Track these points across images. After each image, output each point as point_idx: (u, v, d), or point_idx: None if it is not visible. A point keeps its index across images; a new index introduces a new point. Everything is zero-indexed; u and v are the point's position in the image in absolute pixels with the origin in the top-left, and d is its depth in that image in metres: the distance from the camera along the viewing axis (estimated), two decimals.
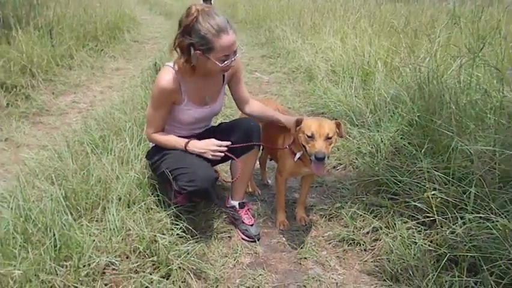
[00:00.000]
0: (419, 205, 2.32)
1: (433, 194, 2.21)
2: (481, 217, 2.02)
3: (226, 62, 2.19)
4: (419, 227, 2.29)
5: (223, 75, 2.49)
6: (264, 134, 2.62)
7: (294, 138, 2.44)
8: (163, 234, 2.22)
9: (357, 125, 3.64)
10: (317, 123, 2.25)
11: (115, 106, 3.97)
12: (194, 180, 2.20)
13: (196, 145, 2.33)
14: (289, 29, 8.00)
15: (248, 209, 2.63)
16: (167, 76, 2.23)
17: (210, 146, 2.31)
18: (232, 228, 2.60)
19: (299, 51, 6.59)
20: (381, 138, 3.20)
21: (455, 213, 2.13)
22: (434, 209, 2.18)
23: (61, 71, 5.77)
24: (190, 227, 2.36)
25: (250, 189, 3.04)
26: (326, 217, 2.71)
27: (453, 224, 2.09)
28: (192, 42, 2.14)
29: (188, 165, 2.25)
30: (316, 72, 5.44)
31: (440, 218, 2.17)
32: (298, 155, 2.42)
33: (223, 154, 2.34)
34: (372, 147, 3.22)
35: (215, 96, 2.47)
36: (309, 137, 2.23)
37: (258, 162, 3.26)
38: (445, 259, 1.98)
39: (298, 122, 2.35)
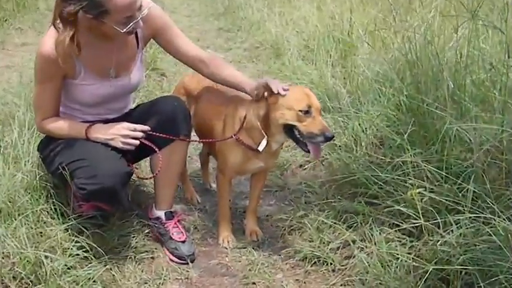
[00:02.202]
0: (403, 210, 2.28)
1: (419, 193, 2.15)
2: (480, 220, 1.99)
3: (130, 25, 2.12)
4: (403, 238, 2.26)
5: (137, 36, 2.40)
6: (195, 119, 2.56)
7: (242, 123, 2.38)
8: (56, 254, 2.14)
9: (332, 111, 3.59)
10: (308, 94, 2.27)
11: (9, 89, 3.82)
12: (95, 175, 2.13)
13: (100, 130, 2.26)
14: None
15: (178, 221, 2.55)
16: (52, 40, 2.11)
17: (120, 131, 2.23)
18: (157, 247, 2.53)
19: (265, 23, 6.61)
20: (363, 127, 3.17)
21: (448, 218, 2.09)
22: (421, 212, 2.13)
23: None
24: (96, 245, 2.27)
25: (187, 195, 2.99)
26: (284, 229, 2.67)
27: (445, 232, 2.05)
28: (78, 8, 2.02)
29: (89, 156, 2.18)
30: (285, 47, 5.44)
31: (428, 224, 2.12)
32: (264, 143, 2.35)
33: (137, 142, 2.24)
34: (349, 139, 3.19)
35: (128, 65, 2.39)
36: (304, 112, 2.21)
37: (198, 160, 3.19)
38: (428, 275, 1.95)
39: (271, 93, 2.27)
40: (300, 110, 2.21)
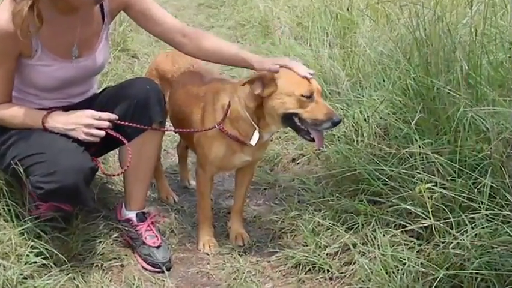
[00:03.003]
0: (411, 208, 2.30)
1: (429, 189, 2.17)
2: (498, 219, 2.01)
3: None
4: (410, 241, 2.28)
5: (102, 9, 2.39)
6: (170, 106, 2.58)
7: (225, 111, 2.39)
8: (10, 262, 2.14)
9: (329, 96, 3.60)
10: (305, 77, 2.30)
11: None
12: (54, 172, 2.12)
13: (59, 119, 2.25)
14: None
15: (152, 223, 2.56)
16: (7, 13, 2.10)
17: (82, 120, 2.22)
18: (128, 253, 2.54)
19: None
20: (364, 115, 3.20)
21: (461, 217, 2.11)
22: (431, 211, 2.16)
23: None
24: (56, 251, 2.28)
25: (162, 194, 3.00)
26: (275, 232, 2.69)
27: (458, 232, 2.07)
28: None
29: (46, 150, 2.17)
30: (275, 25, 5.47)
31: (439, 224, 2.14)
32: (256, 136, 2.36)
33: (102, 133, 2.24)
34: (349, 128, 3.20)
35: (92, 43, 2.39)
36: (307, 97, 2.24)
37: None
38: (438, 282, 1.96)
39: (267, 79, 2.28)
40: (302, 95, 2.23)
